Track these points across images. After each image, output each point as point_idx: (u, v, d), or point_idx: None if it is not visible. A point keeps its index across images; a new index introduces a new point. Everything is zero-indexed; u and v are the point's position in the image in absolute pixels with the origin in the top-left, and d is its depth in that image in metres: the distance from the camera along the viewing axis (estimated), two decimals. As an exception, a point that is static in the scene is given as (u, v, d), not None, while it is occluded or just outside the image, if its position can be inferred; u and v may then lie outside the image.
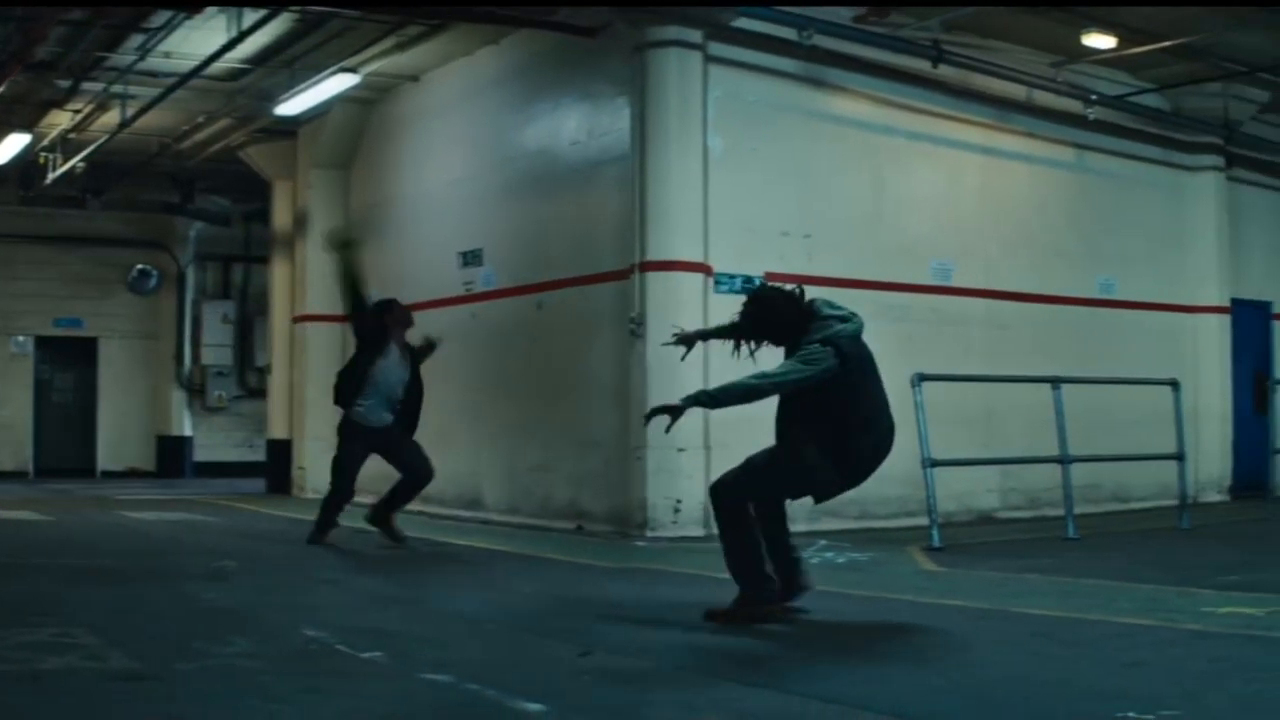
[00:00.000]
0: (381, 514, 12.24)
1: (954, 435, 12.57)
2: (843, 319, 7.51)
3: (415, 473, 12.23)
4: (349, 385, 12.09)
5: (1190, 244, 17.60)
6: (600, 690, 5.81)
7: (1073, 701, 5.53)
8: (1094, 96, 15.98)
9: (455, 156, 16.61)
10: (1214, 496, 17.19)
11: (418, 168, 17.46)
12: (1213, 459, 17.31)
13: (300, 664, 6.27)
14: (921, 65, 14.53)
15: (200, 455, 26.61)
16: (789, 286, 7.75)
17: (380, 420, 12.08)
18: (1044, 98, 15.75)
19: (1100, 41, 15.10)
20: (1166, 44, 15.02)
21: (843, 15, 13.99)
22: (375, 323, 12.05)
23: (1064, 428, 12.97)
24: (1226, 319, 17.97)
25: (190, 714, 5.20)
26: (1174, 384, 13.97)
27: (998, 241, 15.56)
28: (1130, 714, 5.15)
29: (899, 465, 13.40)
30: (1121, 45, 15.17)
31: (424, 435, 16.65)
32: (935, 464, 12.01)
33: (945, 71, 14.66)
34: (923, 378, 12.03)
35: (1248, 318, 18.54)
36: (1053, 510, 14.24)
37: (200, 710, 5.25)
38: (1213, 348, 17.75)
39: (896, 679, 6.03)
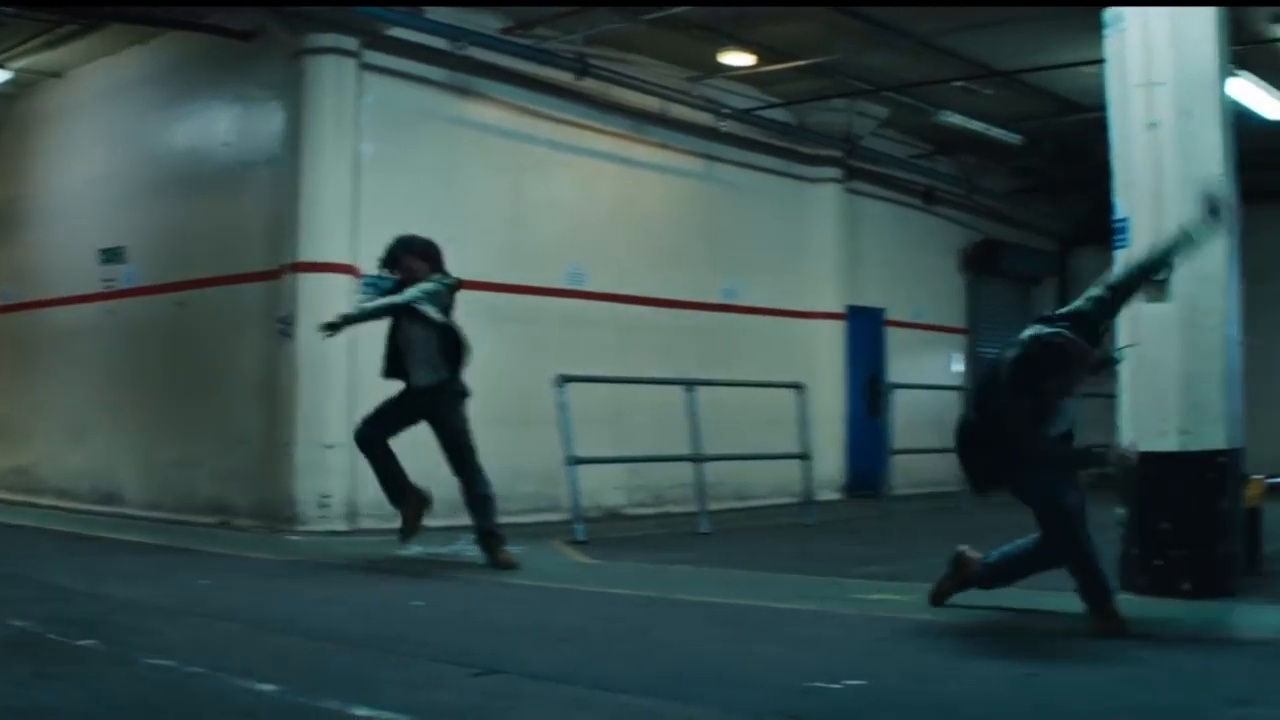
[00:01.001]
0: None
1: (584, 434, 12.93)
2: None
3: None
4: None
5: (810, 252, 18.62)
6: (320, 670, 6.00)
7: (760, 675, 5.95)
8: (725, 110, 16.80)
9: (98, 154, 16.23)
10: (830, 495, 17.99)
11: (58, 164, 16.95)
12: (828, 459, 17.99)
13: (22, 652, 6.29)
14: (565, 77, 15.04)
15: None
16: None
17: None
18: (679, 110, 16.49)
19: (738, 59, 15.91)
20: (801, 63, 15.86)
21: (491, 26, 14.42)
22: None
23: (698, 428, 13.68)
24: (842, 325, 19.03)
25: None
26: (799, 387, 14.85)
27: (629, 248, 16.20)
28: (818, 683, 5.61)
29: (529, 463, 13.93)
30: (760, 63, 16.01)
31: (57, 429, 16.43)
32: (578, 462, 12.58)
33: (587, 83, 15.24)
34: (566, 379, 12.59)
35: (862, 323, 19.56)
36: (676, 507, 14.99)
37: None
38: (828, 352, 18.81)
39: (590, 658, 6.41)
